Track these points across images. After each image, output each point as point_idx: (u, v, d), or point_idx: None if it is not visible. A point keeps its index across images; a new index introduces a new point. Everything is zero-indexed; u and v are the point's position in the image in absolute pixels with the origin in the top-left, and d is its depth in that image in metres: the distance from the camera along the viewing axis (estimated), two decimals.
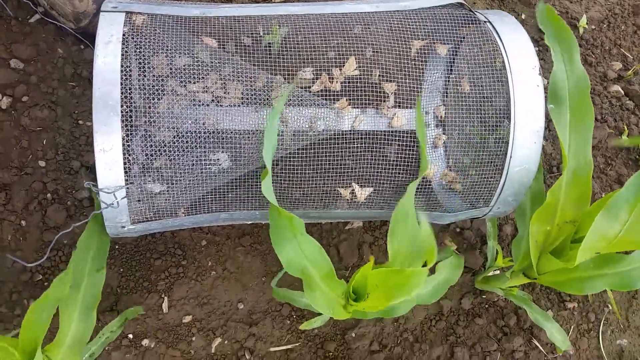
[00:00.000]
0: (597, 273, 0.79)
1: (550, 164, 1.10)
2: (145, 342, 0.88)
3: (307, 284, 0.68)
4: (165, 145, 0.70)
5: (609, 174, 1.12)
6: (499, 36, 0.75)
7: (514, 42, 0.75)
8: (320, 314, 0.85)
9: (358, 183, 0.85)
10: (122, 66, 0.64)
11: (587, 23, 1.19)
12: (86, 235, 0.75)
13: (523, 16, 1.21)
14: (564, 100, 0.76)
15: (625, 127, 1.14)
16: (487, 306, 0.99)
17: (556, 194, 0.77)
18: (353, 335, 0.93)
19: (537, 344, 0.98)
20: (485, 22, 0.78)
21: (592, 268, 0.78)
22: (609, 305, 1.03)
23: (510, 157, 0.73)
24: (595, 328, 1.02)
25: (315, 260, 0.69)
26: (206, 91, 0.73)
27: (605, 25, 1.21)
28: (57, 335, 0.72)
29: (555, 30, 0.79)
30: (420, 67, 0.84)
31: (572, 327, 1.01)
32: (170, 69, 0.70)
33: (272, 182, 0.81)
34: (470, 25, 0.81)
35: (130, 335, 0.88)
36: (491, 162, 0.78)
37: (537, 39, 1.19)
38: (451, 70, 0.92)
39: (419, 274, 0.65)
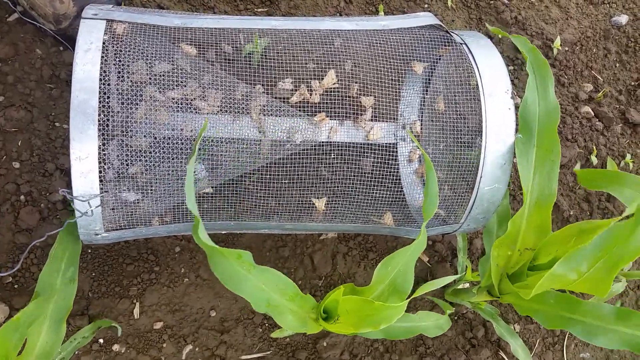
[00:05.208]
0: (554, 312, 0.77)
1: (520, 185, 1.12)
2: (115, 347, 0.87)
3: (276, 313, 0.66)
4: (141, 153, 0.70)
5: (578, 192, 1.15)
6: (473, 58, 0.77)
7: (488, 65, 0.77)
8: None
9: (334, 195, 0.86)
10: (101, 75, 0.64)
11: (560, 44, 1.23)
12: (58, 246, 0.73)
13: (500, 35, 1.24)
14: (532, 131, 0.76)
15: (594, 147, 1.18)
16: (456, 318, 1.01)
17: (517, 224, 0.78)
18: (324, 344, 0.94)
19: (504, 357, 1.00)
20: (461, 43, 0.80)
21: (552, 305, 0.78)
22: None
23: (481, 176, 0.75)
24: (560, 342, 1.05)
25: (276, 287, 0.67)
26: (185, 99, 0.73)
27: (577, 48, 1.25)
28: (25, 349, 0.70)
29: (533, 59, 0.79)
30: (398, 83, 0.86)
31: (537, 340, 1.04)
32: (149, 76, 0.71)
33: (249, 192, 0.82)
34: (447, 47, 0.83)
35: (101, 340, 0.87)
36: (463, 180, 0.80)
37: (513, 58, 1.22)
38: (427, 88, 0.95)
39: (389, 309, 0.65)
